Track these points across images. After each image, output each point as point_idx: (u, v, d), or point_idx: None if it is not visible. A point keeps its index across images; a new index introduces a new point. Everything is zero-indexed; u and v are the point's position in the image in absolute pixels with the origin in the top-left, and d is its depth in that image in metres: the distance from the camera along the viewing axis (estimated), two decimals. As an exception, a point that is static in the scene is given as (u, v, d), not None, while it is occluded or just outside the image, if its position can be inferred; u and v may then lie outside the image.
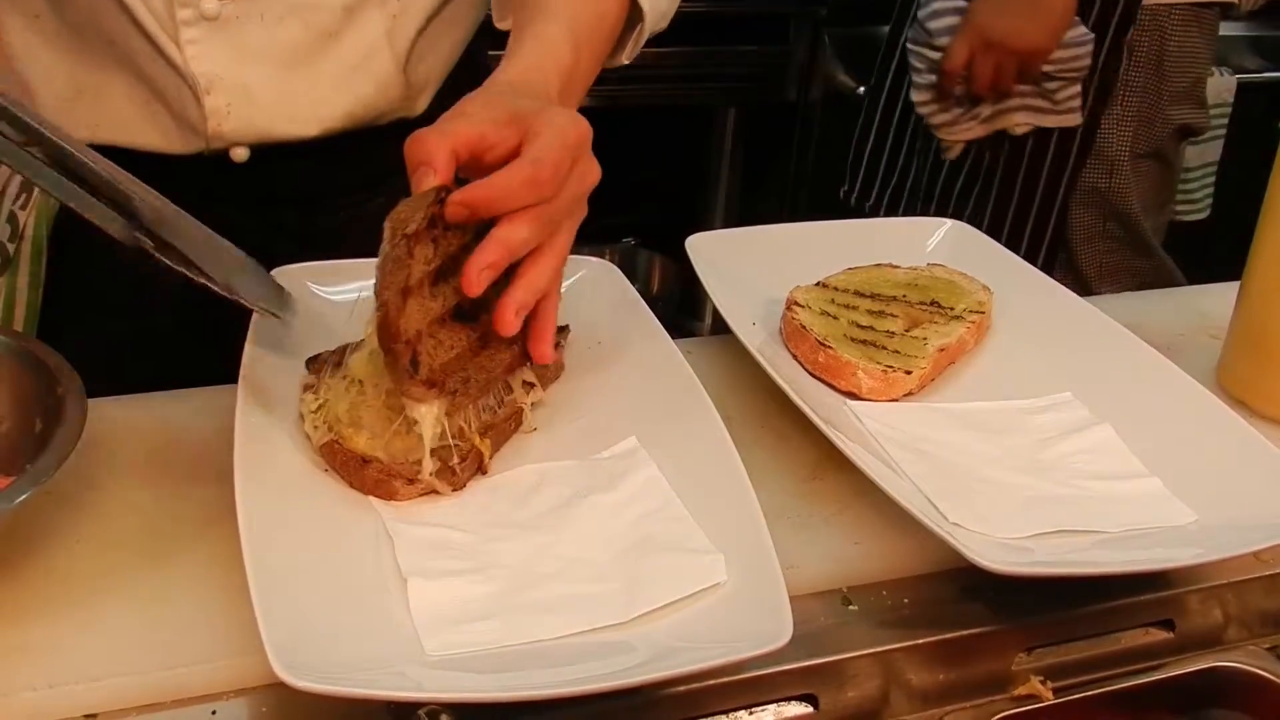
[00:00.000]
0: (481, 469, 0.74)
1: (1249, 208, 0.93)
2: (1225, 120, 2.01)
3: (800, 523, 0.75)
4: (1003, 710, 0.66)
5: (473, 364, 0.72)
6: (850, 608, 0.70)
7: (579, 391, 0.82)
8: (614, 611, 0.64)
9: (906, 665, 0.68)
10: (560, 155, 0.69)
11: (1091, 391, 0.85)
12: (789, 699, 0.66)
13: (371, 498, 0.71)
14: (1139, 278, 1.69)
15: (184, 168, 0.93)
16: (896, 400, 0.84)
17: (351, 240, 0.84)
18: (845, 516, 0.76)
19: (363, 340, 0.74)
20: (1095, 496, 0.76)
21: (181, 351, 0.96)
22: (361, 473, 0.71)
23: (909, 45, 1.63)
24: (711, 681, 0.63)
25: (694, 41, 2.14)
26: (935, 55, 1.57)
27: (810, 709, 0.66)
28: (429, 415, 0.69)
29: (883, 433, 0.80)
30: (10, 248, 0.95)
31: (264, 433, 0.73)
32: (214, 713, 0.61)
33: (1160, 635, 0.73)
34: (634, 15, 0.87)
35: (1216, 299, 1.01)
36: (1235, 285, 0.94)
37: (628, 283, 0.89)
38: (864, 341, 0.87)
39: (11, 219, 0.95)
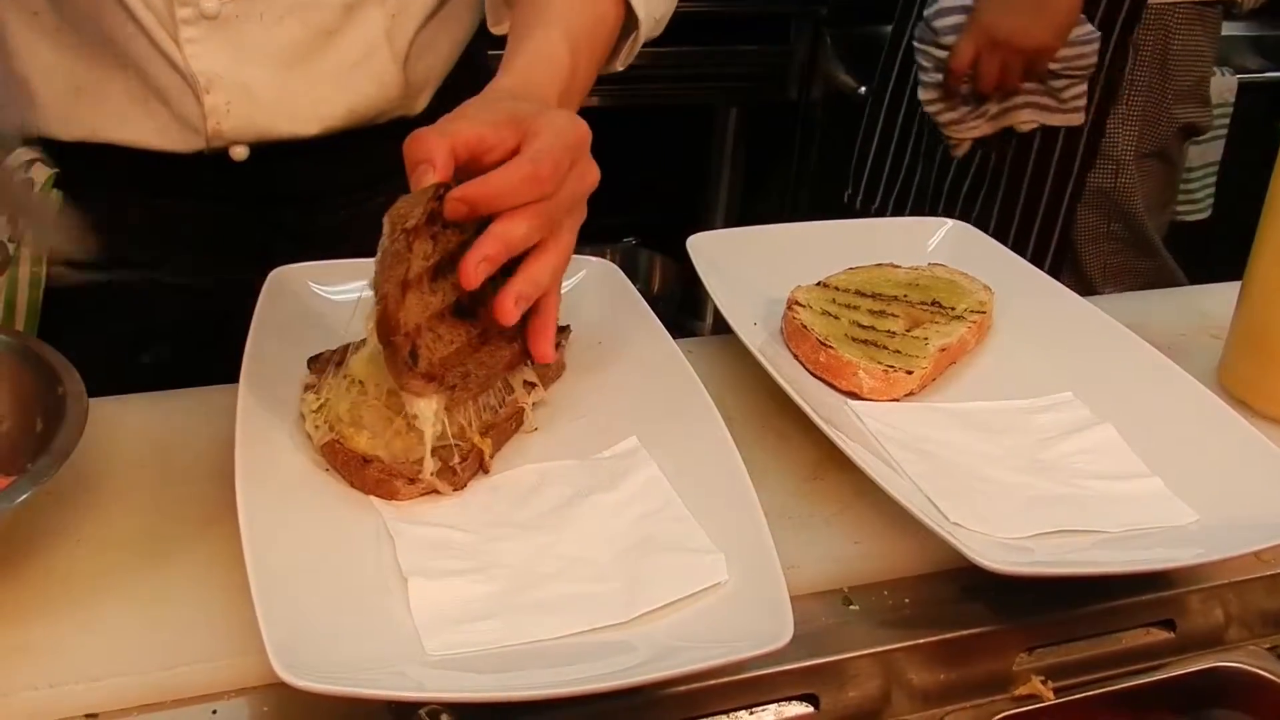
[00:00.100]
0: (483, 468, 0.74)
1: (1250, 208, 0.93)
2: (1227, 120, 2.01)
3: (801, 522, 0.75)
4: (1003, 710, 0.66)
5: (472, 360, 0.72)
6: (851, 607, 0.70)
7: (580, 391, 0.82)
8: (615, 611, 0.64)
9: (907, 665, 0.68)
10: (560, 154, 0.69)
11: (1092, 391, 0.85)
12: (790, 699, 0.66)
13: (372, 497, 0.71)
14: (1142, 278, 1.68)
15: (184, 166, 0.93)
16: (897, 400, 0.84)
17: (352, 239, 0.84)
18: (846, 516, 0.76)
19: (364, 340, 0.74)
20: (1096, 496, 0.76)
21: (181, 351, 0.96)
22: (362, 472, 0.71)
23: (915, 44, 1.62)
24: (712, 681, 0.63)
25: (694, 41, 2.14)
26: (941, 54, 1.57)
27: (811, 709, 0.66)
28: (428, 410, 0.69)
29: (884, 432, 0.80)
30: (10, 247, 0.95)
31: (265, 432, 0.73)
32: (214, 712, 0.61)
33: (1161, 635, 0.73)
34: (629, 22, 0.88)
35: (1217, 299, 1.01)
36: (1236, 285, 0.94)
37: (629, 283, 0.89)
38: (865, 341, 0.86)
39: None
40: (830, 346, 0.84)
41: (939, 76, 1.59)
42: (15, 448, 0.70)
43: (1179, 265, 1.74)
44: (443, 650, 0.61)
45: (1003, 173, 1.65)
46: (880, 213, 1.81)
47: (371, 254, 0.68)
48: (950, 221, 1.05)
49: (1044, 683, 0.68)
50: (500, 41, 0.86)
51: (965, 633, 0.69)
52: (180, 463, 0.76)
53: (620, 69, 0.92)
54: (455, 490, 0.72)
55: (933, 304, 0.91)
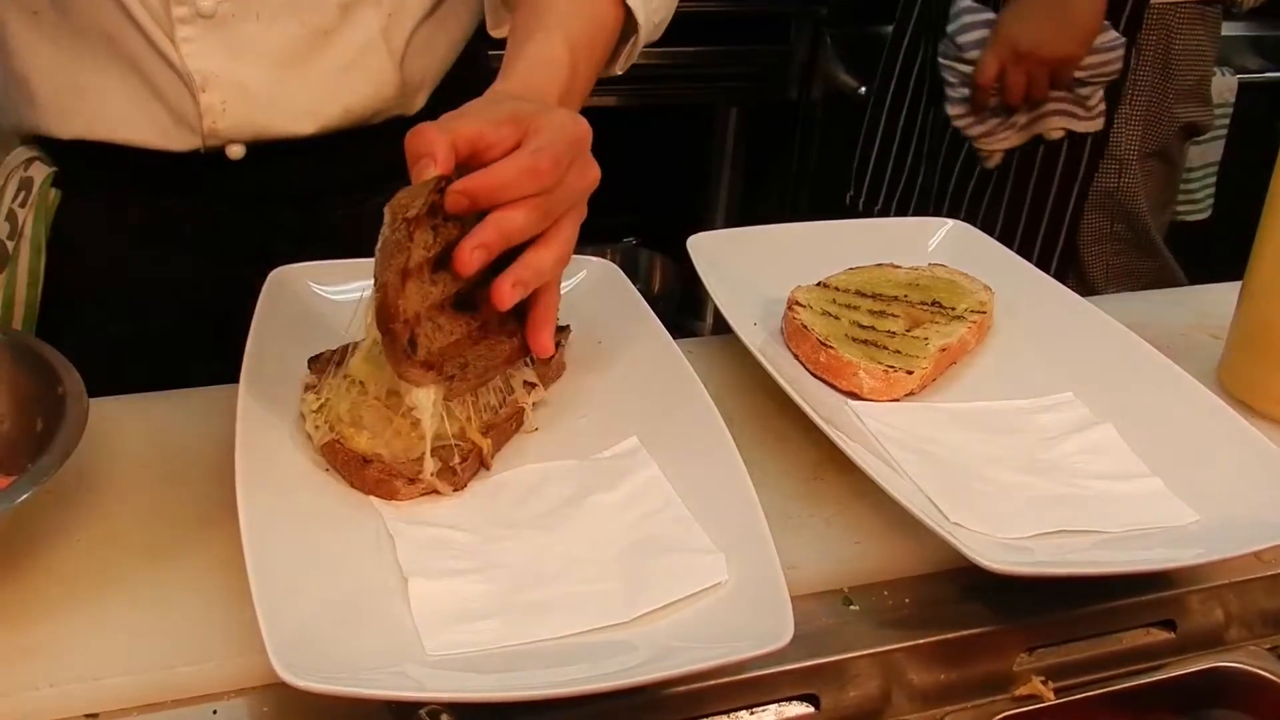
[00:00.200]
0: (484, 465, 0.74)
1: (1250, 208, 0.93)
2: (1227, 120, 2.01)
3: (801, 523, 0.75)
4: (1004, 710, 0.66)
5: (471, 352, 0.72)
6: (851, 608, 0.70)
7: (580, 391, 0.82)
8: (615, 611, 0.64)
9: (908, 665, 0.68)
10: (560, 150, 0.69)
11: (1093, 391, 0.85)
12: (790, 699, 0.66)
13: (372, 497, 0.71)
14: (1144, 279, 1.68)
15: (181, 165, 0.93)
16: (898, 400, 0.84)
17: (350, 239, 0.84)
18: (846, 516, 0.76)
19: (364, 340, 0.74)
20: (1096, 496, 0.76)
21: (181, 351, 0.96)
22: (362, 472, 0.71)
23: (940, 60, 1.61)
24: (712, 681, 0.63)
25: (694, 41, 2.14)
26: (967, 69, 1.56)
27: (811, 709, 0.66)
28: (426, 401, 0.69)
29: (884, 433, 0.80)
30: (9, 245, 0.95)
31: (265, 432, 0.73)
32: (215, 712, 0.61)
33: (1161, 635, 0.73)
34: (629, 26, 0.88)
35: (1218, 299, 1.01)
36: (1236, 285, 0.94)
37: (629, 282, 0.89)
38: (865, 341, 0.86)
39: (10, 217, 0.95)
40: (830, 346, 0.84)
41: (966, 91, 1.58)
42: (15, 448, 0.70)
43: (1179, 265, 1.74)
44: (443, 650, 0.61)
45: (1008, 176, 1.64)
46: (883, 215, 1.80)
47: (371, 253, 0.68)
48: (950, 222, 1.05)
49: (1044, 683, 0.68)
50: (501, 43, 0.86)
51: (965, 633, 0.69)
52: (180, 463, 0.76)
53: (620, 72, 0.92)
54: (455, 490, 0.72)
55: (933, 304, 0.91)
